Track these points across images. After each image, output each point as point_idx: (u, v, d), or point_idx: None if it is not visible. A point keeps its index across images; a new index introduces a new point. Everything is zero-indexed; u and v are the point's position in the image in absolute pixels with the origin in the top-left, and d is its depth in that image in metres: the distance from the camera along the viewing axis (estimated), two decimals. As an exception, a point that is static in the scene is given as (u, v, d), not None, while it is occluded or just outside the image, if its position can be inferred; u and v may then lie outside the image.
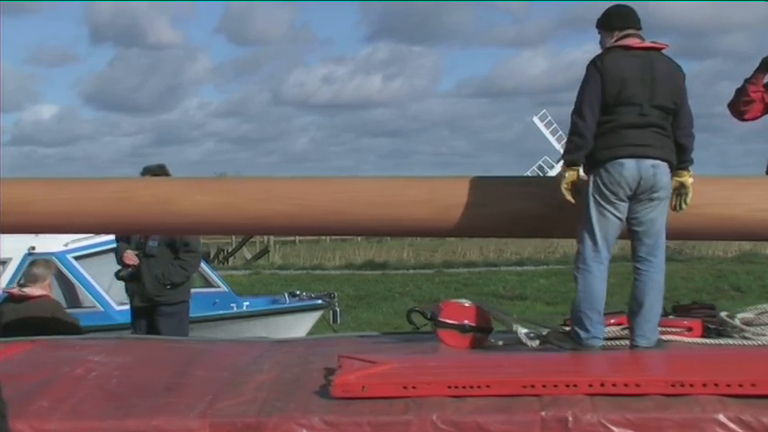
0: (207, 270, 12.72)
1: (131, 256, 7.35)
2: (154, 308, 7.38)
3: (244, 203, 5.42)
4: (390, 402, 3.98)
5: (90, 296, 10.50)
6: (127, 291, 7.67)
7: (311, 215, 5.39)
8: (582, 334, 4.81)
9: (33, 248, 10.41)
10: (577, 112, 4.78)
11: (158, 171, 7.01)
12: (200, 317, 10.84)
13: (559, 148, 51.32)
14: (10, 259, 10.37)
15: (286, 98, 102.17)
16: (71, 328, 6.90)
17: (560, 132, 50.36)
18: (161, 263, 7.28)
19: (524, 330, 5.09)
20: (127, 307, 10.80)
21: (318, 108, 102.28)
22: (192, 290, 12.12)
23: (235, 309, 11.30)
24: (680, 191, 4.95)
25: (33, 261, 7.45)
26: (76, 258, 10.64)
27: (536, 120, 53.90)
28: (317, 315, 11.56)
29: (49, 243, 10.46)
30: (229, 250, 28.78)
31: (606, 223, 4.78)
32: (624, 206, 4.78)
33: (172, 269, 7.29)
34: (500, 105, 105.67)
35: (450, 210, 5.26)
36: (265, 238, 31.39)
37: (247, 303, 11.64)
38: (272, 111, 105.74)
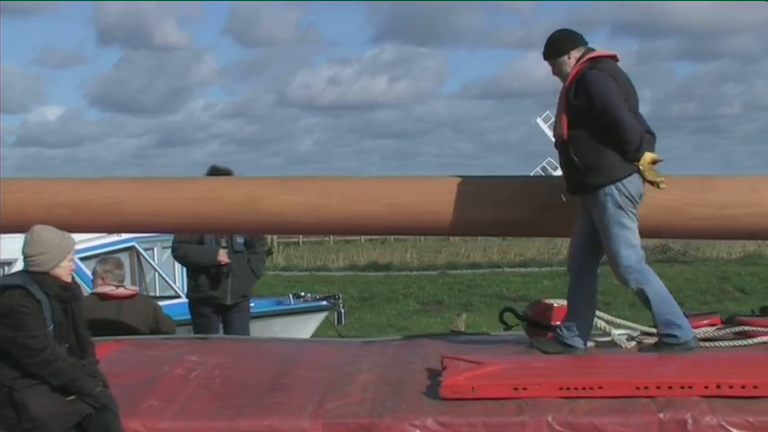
0: (211, 271, 12.75)
1: (224, 255, 7.26)
2: (231, 306, 7.30)
3: (334, 203, 5.36)
4: (502, 403, 3.98)
5: (96, 297, 10.51)
6: (219, 291, 7.41)
7: (403, 215, 5.34)
8: (679, 334, 4.81)
9: (39, 249, 10.42)
10: (621, 109, 4.68)
11: (212, 172, 6.94)
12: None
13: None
14: (15, 260, 10.37)
15: (291, 99, 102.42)
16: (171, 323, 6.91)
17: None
18: (245, 257, 7.29)
19: (618, 332, 5.06)
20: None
21: (323, 109, 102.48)
22: (196, 291, 12.29)
23: (240, 310, 11.31)
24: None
25: (104, 260, 7.05)
26: (82, 259, 10.64)
27: (539, 121, 53.82)
28: (321, 316, 11.55)
29: (55, 244, 10.47)
30: (233, 252, 28.78)
31: (636, 226, 4.80)
32: None
33: (258, 263, 7.35)
34: (505, 107, 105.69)
35: (543, 210, 5.21)
36: (268, 239, 31.42)
37: (252, 304, 11.62)
38: (277, 112, 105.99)
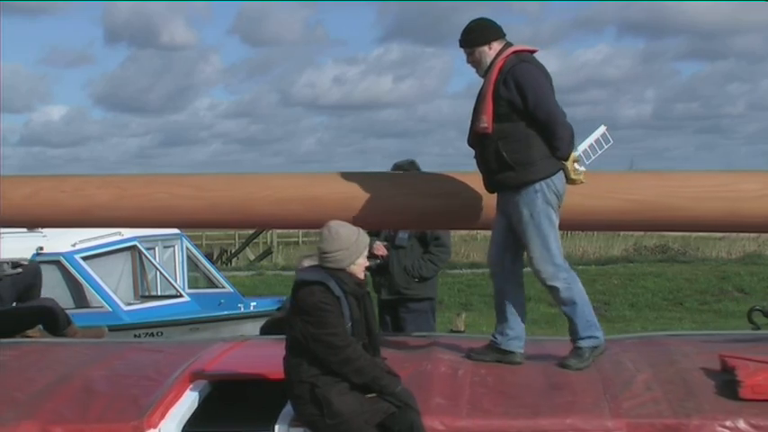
0: (212, 271, 12.78)
1: (380, 247, 7.10)
2: (400, 303, 7.16)
3: (570, 199, 5.15)
4: None
5: (98, 296, 10.54)
6: (373, 284, 7.34)
7: (643, 210, 5.22)
8: (598, 334, 4.74)
9: (42, 249, 10.45)
10: (555, 104, 4.70)
11: (408, 167, 6.80)
12: (207, 317, 10.90)
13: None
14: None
15: (296, 99, 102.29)
16: None
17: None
18: (410, 255, 7.08)
19: None
20: (134, 307, 10.95)
21: (327, 109, 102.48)
22: (197, 290, 12.32)
23: (242, 309, 11.35)
24: None
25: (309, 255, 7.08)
26: (84, 259, 10.69)
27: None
28: (322, 316, 11.56)
29: (58, 243, 10.51)
30: (233, 251, 28.79)
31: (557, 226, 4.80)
32: None
33: (421, 262, 7.08)
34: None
35: None
36: (269, 238, 31.38)
37: (254, 304, 11.69)
38: (281, 112, 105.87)
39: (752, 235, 24.67)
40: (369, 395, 4.13)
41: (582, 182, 4.81)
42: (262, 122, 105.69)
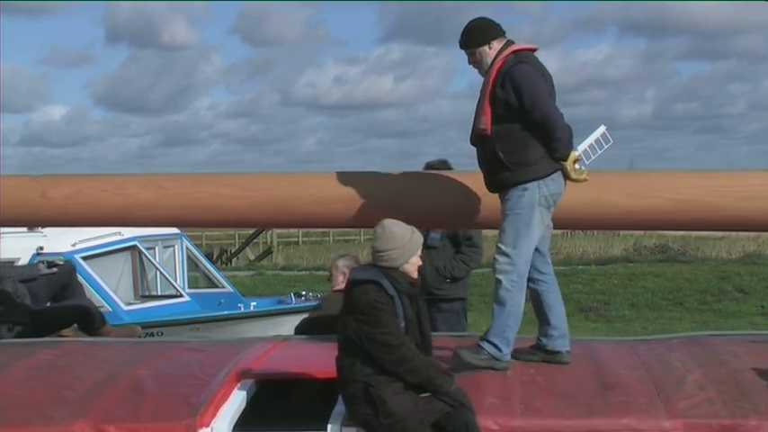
0: (212, 271, 12.79)
1: None
2: (431, 303, 6.88)
3: (615, 198, 5.18)
4: None
5: (98, 296, 10.51)
6: None
7: (687, 210, 5.18)
8: (504, 350, 4.66)
9: (42, 248, 10.45)
10: (551, 106, 4.66)
11: (441, 166, 6.67)
12: (207, 317, 10.91)
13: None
14: (18, 259, 10.41)
15: (297, 99, 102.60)
16: None
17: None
18: (442, 256, 6.98)
19: None
20: (134, 307, 10.96)
21: (328, 109, 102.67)
22: (197, 290, 12.34)
23: (242, 309, 11.37)
24: None
25: (345, 255, 6.61)
26: (84, 258, 10.68)
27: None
28: (323, 315, 11.57)
29: (58, 243, 10.50)
30: (233, 251, 28.79)
31: (542, 232, 4.74)
32: None
33: (453, 263, 6.98)
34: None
35: None
36: (269, 238, 31.38)
37: (254, 303, 11.71)
38: (281, 112, 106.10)
39: (752, 235, 24.73)
40: (423, 395, 4.11)
41: (585, 180, 4.77)
42: (262, 122, 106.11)
